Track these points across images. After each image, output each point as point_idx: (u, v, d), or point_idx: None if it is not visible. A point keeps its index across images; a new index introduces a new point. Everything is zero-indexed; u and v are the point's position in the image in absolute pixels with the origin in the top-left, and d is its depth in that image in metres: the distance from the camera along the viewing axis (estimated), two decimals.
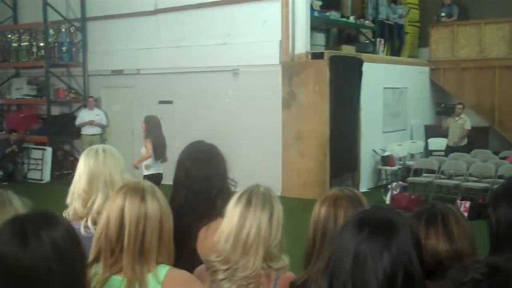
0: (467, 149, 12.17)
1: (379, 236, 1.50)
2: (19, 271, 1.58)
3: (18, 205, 2.25)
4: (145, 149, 8.87)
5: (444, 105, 12.43)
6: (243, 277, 2.21)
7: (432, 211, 2.07)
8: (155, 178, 8.29)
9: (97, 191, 2.72)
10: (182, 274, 2.12)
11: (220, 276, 2.24)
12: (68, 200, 2.78)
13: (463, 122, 12.14)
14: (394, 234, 1.51)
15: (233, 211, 2.29)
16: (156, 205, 2.07)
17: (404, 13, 15.03)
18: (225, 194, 2.82)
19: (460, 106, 12.29)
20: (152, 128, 8.88)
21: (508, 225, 2.00)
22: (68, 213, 2.76)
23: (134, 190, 2.08)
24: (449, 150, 12.30)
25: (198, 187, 2.78)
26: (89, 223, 2.69)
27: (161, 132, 9.11)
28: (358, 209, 2.24)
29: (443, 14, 14.80)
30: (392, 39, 14.97)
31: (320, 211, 2.27)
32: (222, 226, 2.32)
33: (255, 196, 2.29)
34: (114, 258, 2.03)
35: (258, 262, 2.22)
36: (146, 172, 8.75)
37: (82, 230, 2.70)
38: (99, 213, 2.68)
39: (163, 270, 2.04)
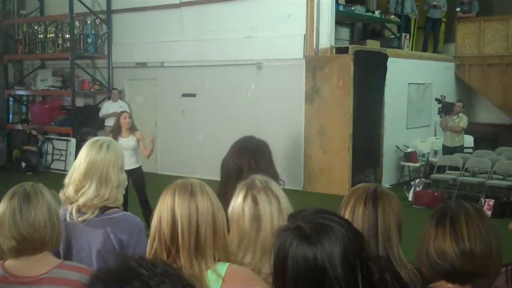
0: (462, 149, 11.75)
1: (326, 240, 1.53)
2: None
3: (49, 198, 2.30)
4: (142, 142, 8.36)
5: (444, 103, 11.94)
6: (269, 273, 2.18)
7: (443, 211, 2.03)
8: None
9: (91, 183, 2.74)
10: (243, 270, 2.12)
11: None
12: (66, 181, 2.83)
13: (459, 120, 11.61)
14: (332, 231, 1.55)
15: (242, 215, 2.23)
16: (207, 200, 2.07)
17: (441, 5, 14.70)
18: None
19: (460, 104, 11.77)
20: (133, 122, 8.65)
21: None
22: (64, 193, 2.80)
23: (183, 187, 2.08)
24: (446, 150, 11.82)
25: None
26: (74, 211, 2.73)
27: None
28: (367, 205, 2.24)
29: (458, 9, 14.64)
30: (427, 33, 14.84)
31: (342, 204, 2.28)
32: (232, 232, 2.25)
33: (258, 195, 2.24)
34: (170, 259, 2.02)
35: None
36: (138, 164, 8.34)
37: (67, 216, 2.75)
38: (85, 205, 2.73)
39: (224, 267, 2.04)
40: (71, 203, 2.77)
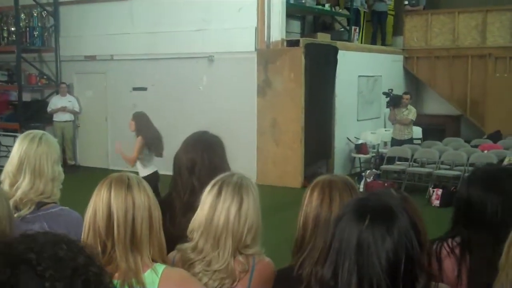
0: (411, 142, 11.85)
1: (380, 223, 1.51)
2: None
3: None
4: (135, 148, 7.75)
5: (392, 96, 11.88)
6: (216, 269, 2.20)
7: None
8: (155, 178, 7.37)
9: (24, 177, 2.72)
10: (179, 272, 2.10)
11: (197, 269, 2.21)
12: (2, 177, 2.80)
13: (408, 112, 11.64)
14: (394, 220, 1.52)
15: (205, 201, 2.27)
16: (143, 194, 2.05)
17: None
18: None
19: (407, 96, 11.81)
20: (143, 124, 7.85)
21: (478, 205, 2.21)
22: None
23: (119, 181, 2.05)
24: (394, 143, 11.85)
25: (208, 177, 2.78)
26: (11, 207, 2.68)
27: (153, 126, 7.97)
28: (352, 193, 2.23)
29: (406, 2, 14.97)
30: (374, 26, 15.04)
31: (312, 195, 2.22)
32: (195, 215, 2.30)
33: (226, 187, 2.26)
34: (106, 255, 1.98)
35: (228, 254, 2.20)
36: (144, 173, 7.52)
37: None
38: (22, 199, 2.69)
39: (160, 268, 2.02)
40: (9, 199, 2.71)
